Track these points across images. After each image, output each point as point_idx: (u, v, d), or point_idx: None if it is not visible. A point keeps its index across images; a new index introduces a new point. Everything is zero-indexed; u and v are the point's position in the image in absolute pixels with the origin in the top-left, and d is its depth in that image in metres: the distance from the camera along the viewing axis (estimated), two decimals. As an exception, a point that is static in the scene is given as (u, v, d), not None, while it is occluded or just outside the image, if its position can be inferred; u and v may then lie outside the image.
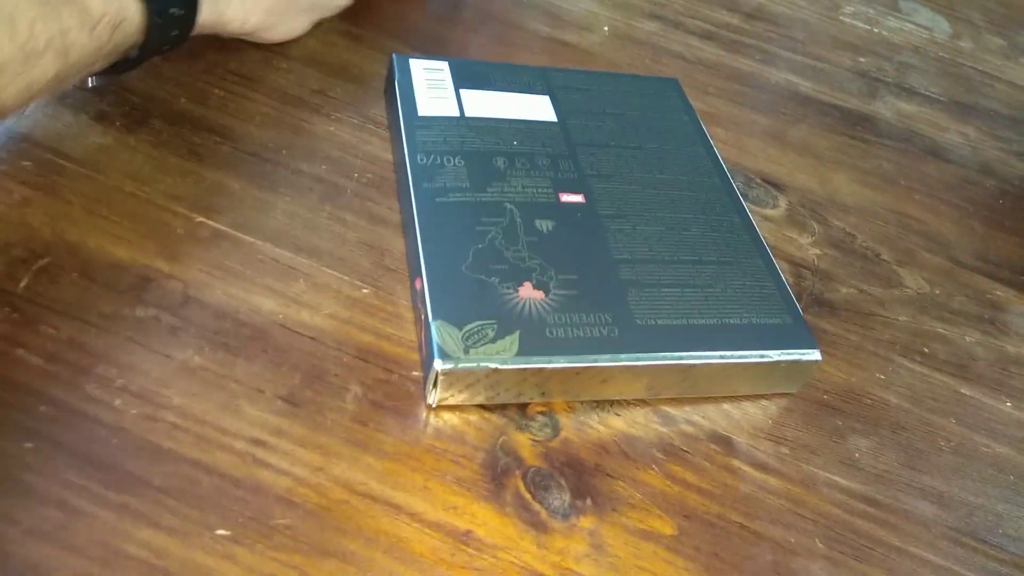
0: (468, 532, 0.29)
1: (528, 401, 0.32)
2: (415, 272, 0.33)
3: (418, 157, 0.36)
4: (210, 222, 0.35)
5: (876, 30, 0.61)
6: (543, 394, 0.31)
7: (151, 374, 0.30)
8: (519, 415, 0.32)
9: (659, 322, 0.32)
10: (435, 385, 0.30)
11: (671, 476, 0.32)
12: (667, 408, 0.34)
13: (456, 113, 0.37)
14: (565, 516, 0.30)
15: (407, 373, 0.32)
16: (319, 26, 0.45)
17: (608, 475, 0.31)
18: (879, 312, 0.40)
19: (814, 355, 0.33)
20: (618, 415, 0.33)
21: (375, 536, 0.28)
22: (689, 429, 0.33)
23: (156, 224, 0.35)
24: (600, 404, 0.33)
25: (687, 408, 0.34)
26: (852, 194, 0.46)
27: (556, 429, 0.32)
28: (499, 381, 0.30)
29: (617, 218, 0.34)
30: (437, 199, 0.35)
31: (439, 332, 0.30)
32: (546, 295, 0.30)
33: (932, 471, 0.34)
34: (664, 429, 0.33)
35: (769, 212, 0.44)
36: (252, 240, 0.35)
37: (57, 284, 0.32)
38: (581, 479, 0.31)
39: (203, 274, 0.34)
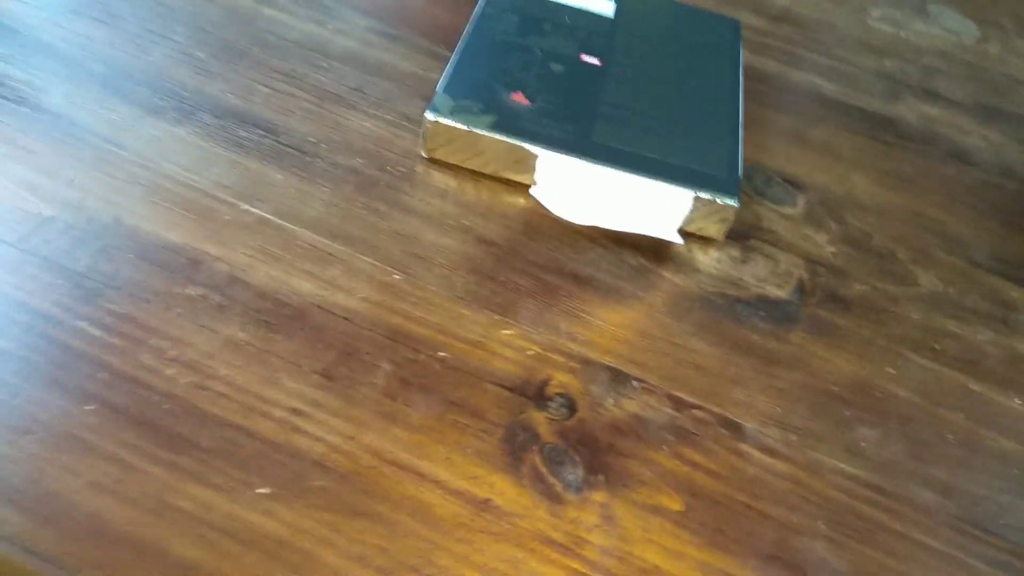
0: (487, 500, 0.31)
1: (488, 172, 0.41)
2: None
3: (486, 10, 0.47)
4: (254, 210, 0.38)
5: (903, 34, 0.61)
6: (493, 169, 0.41)
7: (200, 347, 0.33)
8: (538, 396, 0.34)
9: (611, 144, 0.40)
10: (424, 137, 0.40)
11: (681, 457, 0.33)
12: (680, 394, 0.35)
13: None
14: (578, 490, 0.32)
15: (433, 353, 0.34)
16: (357, 25, 0.48)
17: (620, 454, 0.33)
18: (892, 308, 0.41)
19: (732, 201, 0.40)
20: (632, 399, 0.35)
21: (401, 500, 0.30)
22: (700, 415, 0.35)
23: (205, 211, 0.37)
24: (617, 387, 0.35)
25: (699, 396, 0.36)
26: (871, 194, 0.47)
27: (572, 409, 0.34)
28: (472, 144, 0.40)
29: (621, 82, 0.43)
30: (487, 33, 0.46)
31: (438, 98, 0.41)
32: (532, 104, 0.40)
33: (937, 462, 0.36)
34: (676, 413, 0.35)
35: (788, 210, 0.45)
36: (292, 227, 0.38)
37: (115, 263, 0.35)
38: (595, 457, 0.33)
39: (247, 257, 0.36)
